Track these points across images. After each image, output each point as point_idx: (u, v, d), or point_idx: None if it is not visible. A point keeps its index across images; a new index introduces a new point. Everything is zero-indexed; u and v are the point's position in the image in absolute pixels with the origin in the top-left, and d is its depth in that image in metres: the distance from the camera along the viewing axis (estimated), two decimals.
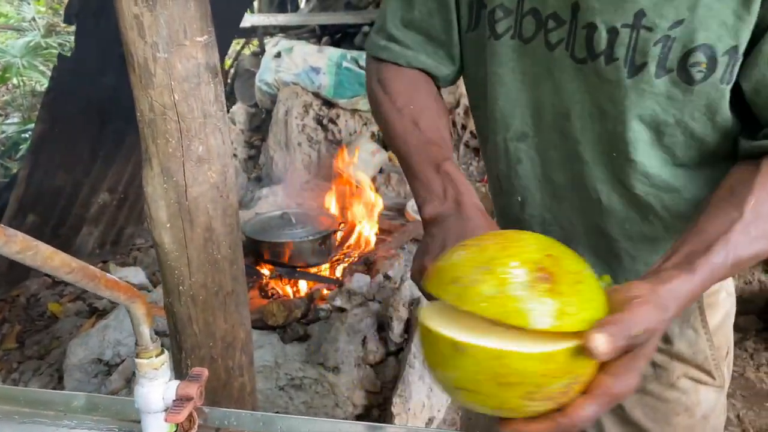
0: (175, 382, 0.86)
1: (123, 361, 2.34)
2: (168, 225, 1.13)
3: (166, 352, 0.87)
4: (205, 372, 0.89)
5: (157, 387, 0.85)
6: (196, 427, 0.89)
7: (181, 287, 1.16)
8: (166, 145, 1.09)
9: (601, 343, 0.49)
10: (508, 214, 0.97)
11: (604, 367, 0.53)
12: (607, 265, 0.91)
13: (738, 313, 3.27)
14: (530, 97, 0.84)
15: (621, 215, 0.85)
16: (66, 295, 3.14)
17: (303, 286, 2.61)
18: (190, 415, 0.89)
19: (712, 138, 0.76)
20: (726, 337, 1.00)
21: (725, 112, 0.73)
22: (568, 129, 0.82)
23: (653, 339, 0.56)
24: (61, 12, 7.39)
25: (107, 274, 0.76)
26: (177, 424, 0.88)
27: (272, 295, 2.56)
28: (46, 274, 3.20)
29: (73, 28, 2.44)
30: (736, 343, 3.27)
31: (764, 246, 0.64)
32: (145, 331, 0.83)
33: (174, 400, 0.85)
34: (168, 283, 1.17)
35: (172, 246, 1.14)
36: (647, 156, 0.79)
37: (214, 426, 0.92)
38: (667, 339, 0.95)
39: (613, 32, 0.72)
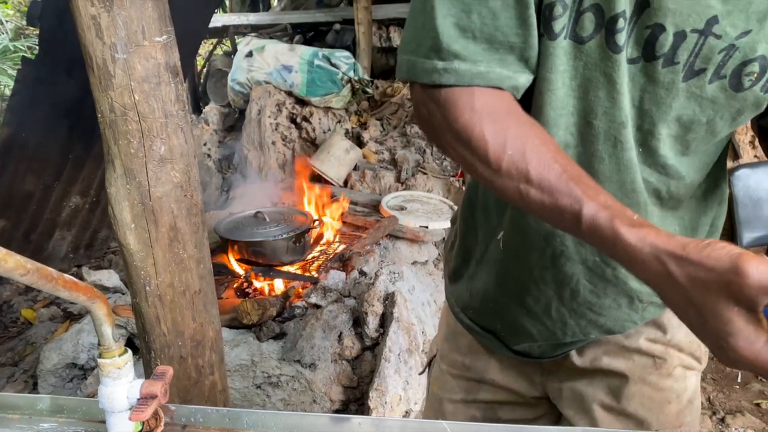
0: (140, 381, 0.87)
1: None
2: (132, 225, 1.13)
3: (129, 351, 0.87)
4: (170, 370, 0.90)
5: (121, 386, 0.85)
6: (162, 425, 0.89)
7: (147, 287, 1.16)
8: (128, 146, 1.09)
9: None
10: (519, 227, 0.90)
11: None
12: None
13: None
14: (579, 104, 0.77)
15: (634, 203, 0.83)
16: (39, 301, 3.11)
17: (279, 284, 2.62)
18: (156, 412, 0.90)
19: (725, 133, 0.80)
20: None
21: (749, 114, 0.77)
22: (623, 137, 0.77)
23: None
24: None
25: (65, 275, 0.76)
26: (142, 423, 0.88)
27: (248, 294, 2.56)
28: None
29: None
30: None
31: None
32: (107, 330, 0.84)
33: (138, 399, 0.86)
34: (134, 283, 1.17)
35: (137, 246, 1.14)
36: (669, 149, 0.79)
37: (181, 423, 0.92)
38: (664, 330, 0.97)
39: (680, 36, 0.70)
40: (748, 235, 3.35)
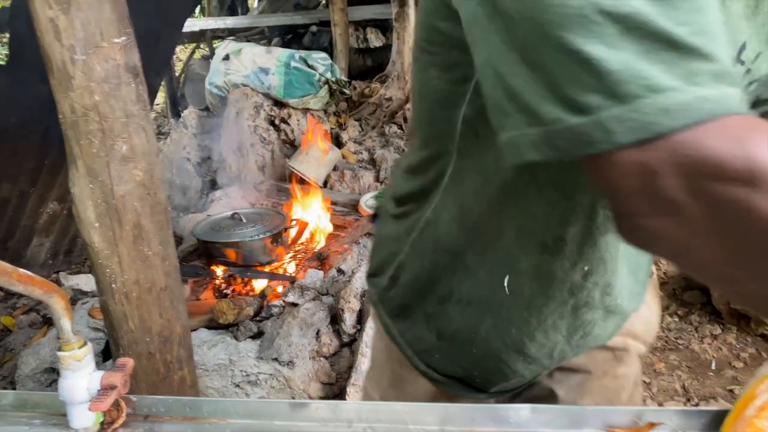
0: (100, 373, 0.89)
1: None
2: (96, 224, 1.15)
3: (89, 344, 0.89)
4: (131, 362, 0.92)
5: (81, 378, 0.87)
6: (124, 415, 0.91)
7: (114, 285, 1.18)
8: (90, 146, 1.11)
9: None
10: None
11: None
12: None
13: (683, 289, 3.40)
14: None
15: None
16: (19, 308, 3.11)
17: (258, 284, 2.64)
18: (118, 403, 0.91)
19: None
20: None
21: None
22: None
23: None
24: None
25: (20, 270, 0.78)
26: (104, 414, 0.90)
27: (226, 295, 2.58)
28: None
29: None
30: (681, 317, 3.41)
31: None
32: (66, 324, 0.86)
33: (99, 390, 0.87)
34: (101, 281, 1.19)
35: (102, 245, 1.16)
36: None
37: (143, 413, 0.94)
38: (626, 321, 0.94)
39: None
40: None
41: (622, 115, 0.44)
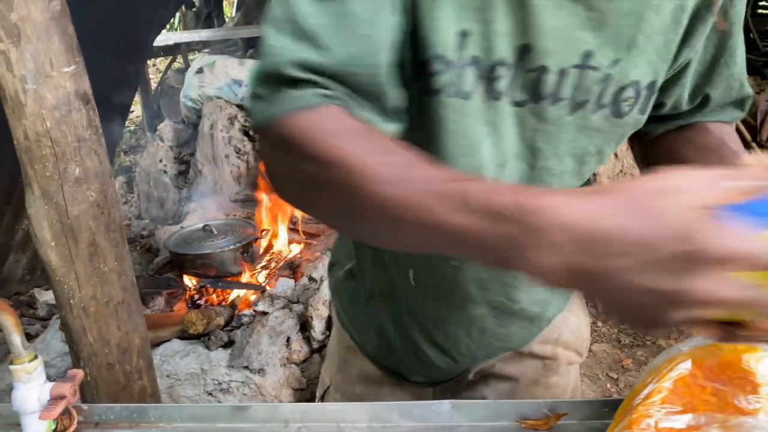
0: (50, 384, 0.95)
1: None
2: (53, 243, 1.21)
3: (39, 357, 0.96)
4: (80, 372, 0.98)
5: (32, 389, 0.94)
6: (75, 423, 0.98)
7: (72, 300, 1.24)
8: (44, 170, 1.17)
9: None
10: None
11: None
12: None
13: None
14: (471, 160, 0.74)
15: None
16: None
17: (230, 294, 2.70)
18: (69, 411, 0.98)
19: (609, 156, 0.85)
20: (587, 313, 1.07)
21: (627, 136, 0.81)
22: (505, 176, 0.77)
23: None
24: None
25: None
26: (56, 422, 0.96)
27: (199, 306, 2.64)
28: None
29: None
30: None
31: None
32: (16, 339, 0.92)
33: (48, 400, 0.94)
34: (59, 297, 1.25)
35: (59, 263, 1.22)
36: (565, 184, 0.80)
37: (94, 421, 1.00)
38: (554, 330, 1.00)
39: (562, 74, 0.70)
40: None
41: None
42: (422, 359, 0.97)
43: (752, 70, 4.40)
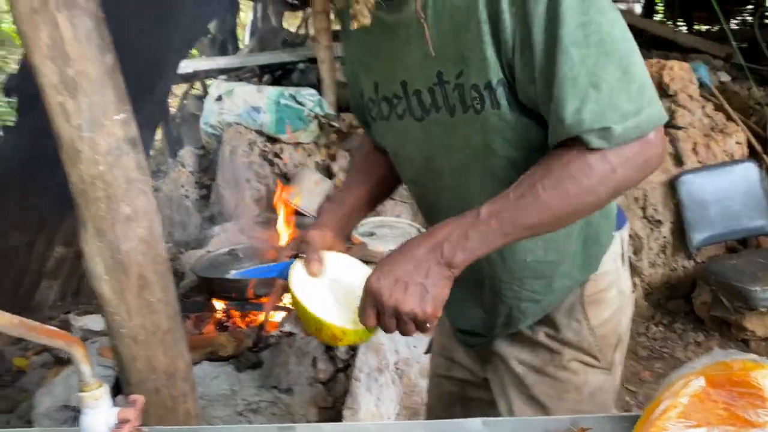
0: (115, 409, 1.04)
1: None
2: (105, 277, 1.31)
3: (105, 385, 1.05)
4: (141, 398, 1.08)
5: (99, 415, 1.03)
6: None
7: (122, 330, 1.34)
8: (97, 210, 1.27)
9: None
10: None
11: None
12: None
13: (667, 298, 3.54)
14: (404, 154, 1.14)
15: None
16: (30, 349, 3.25)
17: (257, 316, 2.78)
18: None
19: (510, 153, 0.98)
20: (615, 329, 1.17)
21: (509, 132, 0.95)
22: (434, 168, 1.08)
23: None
24: (7, 69, 7.44)
25: (45, 325, 0.94)
26: None
27: (227, 328, 2.73)
28: None
29: None
30: (666, 326, 3.54)
31: (529, 202, 0.87)
32: (85, 369, 1.01)
33: (115, 424, 1.03)
34: (111, 327, 1.35)
35: (111, 295, 1.32)
36: (476, 174, 1.03)
37: None
38: (557, 329, 1.15)
39: (431, 91, 1.00)
40: (697, 237, 3.56)
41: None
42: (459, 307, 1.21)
43: (761, 80, 4.46)
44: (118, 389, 2.36)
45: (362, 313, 0.95)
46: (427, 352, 1.51)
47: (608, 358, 1.18)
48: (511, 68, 0.90)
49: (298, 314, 1.03)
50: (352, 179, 1.30)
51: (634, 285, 3.73)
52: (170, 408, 1.43)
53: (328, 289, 1.04)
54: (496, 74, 0.91)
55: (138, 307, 1.34)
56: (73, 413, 2.51)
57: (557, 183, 0.86)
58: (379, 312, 0.92)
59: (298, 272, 1.06)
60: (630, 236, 3.76)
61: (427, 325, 0.92)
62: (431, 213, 1.18)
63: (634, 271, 3.77)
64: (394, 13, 0.99)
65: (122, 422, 1.04)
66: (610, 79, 0.83)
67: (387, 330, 0.93)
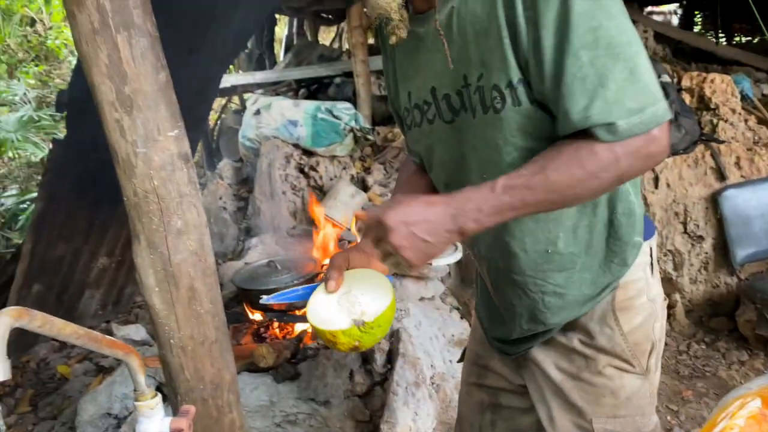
0: (168, 418, 1.07)
1: (131, 413, 2.53)
2: (156, 289, 1.34)
3: (159, 395, 1.08)
4: (193, 408, 1.10)
5: (153, 423, 1.06)
6: None
7: (171, 340, 1.37)
8: (150, 223, 1.31)
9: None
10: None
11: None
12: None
13: (709, 316, 3.46)
14: (438, 158, 1.21)
15: None
16: (73, 357, 3.33)
17: (294, 328, 2.81)
18: None
19: (526, 144, 1.05)
20: (647, 335, 1.21)
21: (530, 126, 1.02)
22: (465, 167, 1.14)
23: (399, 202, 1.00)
24: (51, 84, 7.67)
25: (107, 336, 0.97)
26: None
27: (265, 339, 2.76)
28: (53, 339, 3.39)
29: None
30: (708, 344, 3.46)
31: (538, 181, 0.95)
32: (140, 378, 1.04)
33: None
34: (160, 337, 1.38)
35: (162, 306, 1.35)
36: (496, 167, 1.08)
37: None
38: (591, 336, 1.19)
39: (459, 94, 1.08)
40: (740, 253, 3.49)
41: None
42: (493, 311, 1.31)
43: None
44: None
45: (363, 233, 1.10)
46: (460, 360, 1.54)
47: (643, 363, 1.20)
48: (527, 67, 0.98)
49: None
50: (404, 190, 1.36)
51: (675, 301, 3.65)
52: (215, 418, 1.45)
53: (338, 302, 1.12)
54: (516, 74, 0.99)
55: (187, 317, 1.37)
56: (115, 421, 2.56)
57: (565, 166, 0.95)
58: (376, 239, 1.05)
59: (317, 294, 1.16)
60: (670, 251, 3.70)
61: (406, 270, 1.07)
62: None
63: (675, 287, 3.70)
64: (423, 25, 1.09)
65: (175, 431, 1.06)
66: (618, 78, 0.91)
67: (378, 257, 1.10)
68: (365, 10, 1.10)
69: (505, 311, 1.26)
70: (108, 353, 0.96)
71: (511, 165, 1.04)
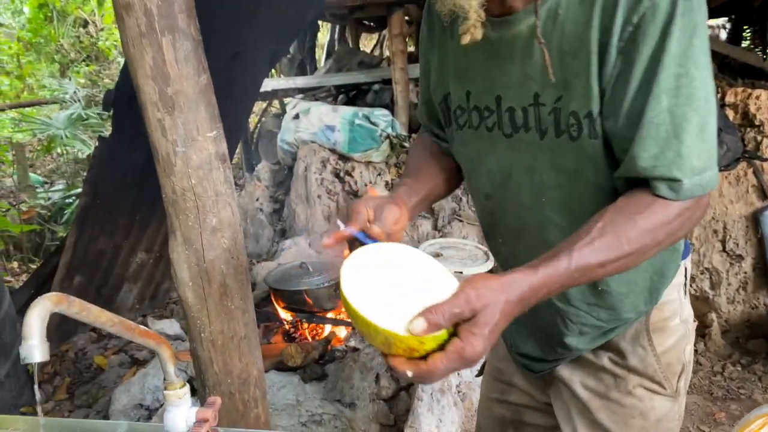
0: (195, 408, 1.10)
1: (161, 405, 2.59)
2: (190, 284, 1.39)
3: (187, 385, 1.11)
4: (219, 400, 1.14)
5: (181, 412, 1.09)
6: None
7: (202, 334, 1.41)
8: (187, 220, 1.36)
9: (417, 324, 0.75)
10: (496, 253, 1.27)
11: (458, 333, 0.78)
12: None
13: (747, 337, 3.39)
14: (485, 167, 1.14)
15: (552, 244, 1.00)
16: (110, 349, 3.43)
17: (323, 329, 2.85)
18: None
19: (597, 180, 1.00)
20: (679, 356, 1.18)
21: (600, 159, 0.97)
22: (511, 186, 1.10)
23: (488, 312, 0.78)
24: (100, 83, 7.93)
25: (140, 326, 1.01)
26: None
27: (294, 339, 2.80)
28: (91, 330, 3.50)
29: None
30: (744, 367, 3.37)
31: (608, 255, 0.87)
32: (170, 368, 1.08)
33: (194, 422, 1.09)
34: (192, 331, 1.42)
35: (194, 300, 1.40)
36: (557, 194, 1.04)
37: None
38: (622, 355, 1.16)
39: (524, 111, 1.02)
40: None
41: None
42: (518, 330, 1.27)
43: None
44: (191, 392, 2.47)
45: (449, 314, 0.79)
46: (479, 374, 1.52)
47: (673, 384, 1.18)
48: (601, 98, 0.93)
49: (349, 316, 0.85)
50: (425, 168, 1.25)
51: (711, 321, 3.57)
52: (241, 412, 1.49)
53: (390, 285, 0.85)
54: (597, 105, 0.93)
55: (218, 313, 1.41)
56: (146, 412, 2.64)
57: (636, 237, 0.88)
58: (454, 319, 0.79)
59: (349, 268, 0.88)
60: (707, 269, 3.62)
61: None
62: (501, 228, 1.19)
63: (711, 306, 3.62)
64: (499, 30, 1.01)
65: (201, 421, 1.09)
66: (691, 133, 0.87)
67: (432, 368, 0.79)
68: (435, 3, 1.00)
69: (536, 332, 1.23)
70: (141, 342, 1.00)
71: (574, 194, 1.02)
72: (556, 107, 0.97)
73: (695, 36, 0.86)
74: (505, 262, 1.25)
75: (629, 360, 1.16)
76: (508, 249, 1.20)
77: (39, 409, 0.76)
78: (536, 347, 1.25)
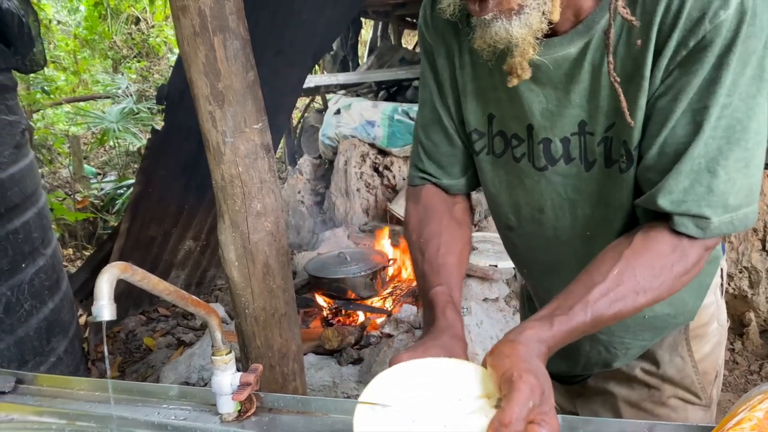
0: (239, 373, 1.21)
1: (206, 384, 2.74)
2: (236, 263, 1.50)
3: (233, 351, 1.22)
4: (260, 366, 1.24)
5: (226, 376, 1.20)
6: (254, 407, 1.23)
7: (246, 310, 1.53)
8: (234, 204, 1.48)
9: None
10: (523, 280, 1.26)
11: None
12: None
13: None
14: (508, 198, 1.04)
15: None
16: (158, 331, 3.61)
17: (359, 316, 2.96)
18: (250, 397, 1.23)
19: (630, 205, 0.92)
20: (714, 363, 1.14)
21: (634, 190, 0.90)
22: (543, 220, 1.00)
23: (540, 384, 0.66)
24: (150, 79, 8.19)
25: (192, 296, 1.12)
26: (241, 404, 1.22)
27: (332, 324, 2.92)
28: (141, 314, 3.69)
29: None
30: None
31: (623, 306, 0.79)
32: (218, 336, 1.19)
33: (238, 386, 1.20)
34: (237, 307, 1.54)
35: (239, 279, 1.51)
36: (599, 228, 0.97)
37: (268, 407, 1.25)
38: (657, 364, 1.11)
39: (566, 141, 0.91)
40: None
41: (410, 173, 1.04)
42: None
43: None
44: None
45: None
46: None
47: (708, 394, 1.15)
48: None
49: None
50: (450, 257, 1.00)
51: (749, 320, 3.55)
52: (281, 384, 1.60)
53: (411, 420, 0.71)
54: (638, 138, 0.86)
55: (261, 291, 1.52)
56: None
57: (654, 287, 0.81)
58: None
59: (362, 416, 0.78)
60: (746, 268, 3.59)
61: None
62: (527, 261, 1.13)
63: (750, 305, 3.59)
64: (540, 52, 0.87)
65: (244, 384, 1.20)
66: (731, 168, 0.79)
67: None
68: (474, 41, 0.86)
69: (572, 354, 1.15)
70: (192, 311, 1.11)
71: (622, 228, 0.93)
72: (607, 136, 0.88)
73: (748, 64, 0.76)
74: (534, 290, 1.20)
75: (665, 370, 1.11)
76: (535, 281, 1.15)
77: (107, 362, 0.87)
78: (571, 368, 1.19)
